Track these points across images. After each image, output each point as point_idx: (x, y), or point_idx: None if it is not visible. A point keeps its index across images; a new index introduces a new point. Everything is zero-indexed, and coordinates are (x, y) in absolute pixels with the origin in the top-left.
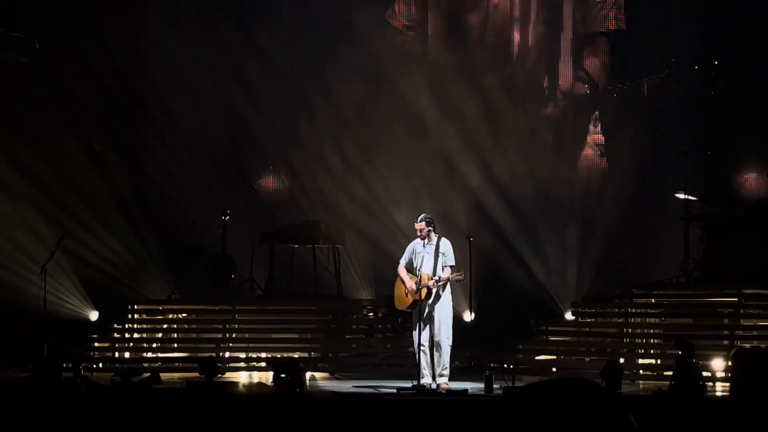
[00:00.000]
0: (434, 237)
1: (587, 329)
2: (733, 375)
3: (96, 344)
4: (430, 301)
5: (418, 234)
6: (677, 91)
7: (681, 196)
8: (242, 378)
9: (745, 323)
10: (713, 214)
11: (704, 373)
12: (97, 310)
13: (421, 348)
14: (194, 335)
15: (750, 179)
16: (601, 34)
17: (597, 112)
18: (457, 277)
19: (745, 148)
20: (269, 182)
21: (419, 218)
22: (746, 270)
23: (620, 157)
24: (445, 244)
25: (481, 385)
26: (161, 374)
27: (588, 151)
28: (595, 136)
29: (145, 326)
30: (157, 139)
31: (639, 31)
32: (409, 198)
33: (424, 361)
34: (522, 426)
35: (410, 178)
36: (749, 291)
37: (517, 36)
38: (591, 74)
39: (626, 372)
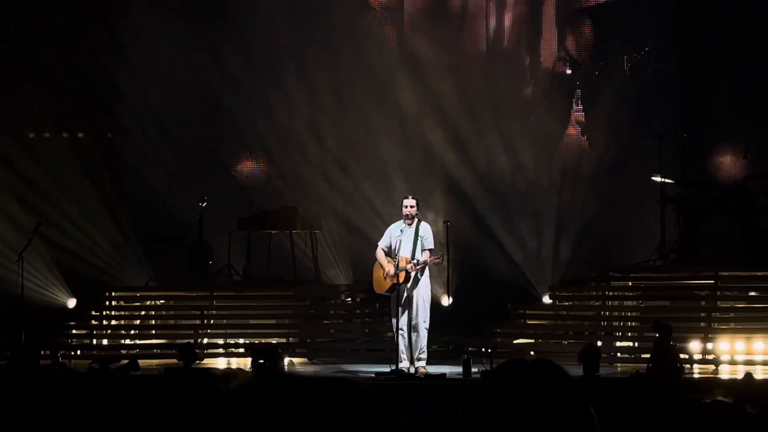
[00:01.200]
0: (415, 220)
1: (565, 312)
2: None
3: (74, 331)
4: (408, 285)
5: (406, 213)
6: (654, 69)
7: (657, 179)
8: (220, 364)
9: (722, 305)
10: (689, 197)
11: (681, 356)
12: (74, 297)
13: (400, 332)
14: (172, 322)
15: (726, 162)
16: (583, 11)
17: (579, 91)
18: (436, 260)
19: (721, 131)
20: (246, 168)
21: (410, 197)
22: (722, 252)
23: (598, 139)
24: (425, 228)
25: (459, 369)
26: (139, 361)
27: (570, 131)
28: (577, 114)
29: (122, 313)
30: (134, 125)
31: (620, 7)
32: (387, 182)
33: (403, 345)
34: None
35: (387, 162)
36: (726, 273)
37: (494, 17)
38: (572, 53)
39: (604, 355)
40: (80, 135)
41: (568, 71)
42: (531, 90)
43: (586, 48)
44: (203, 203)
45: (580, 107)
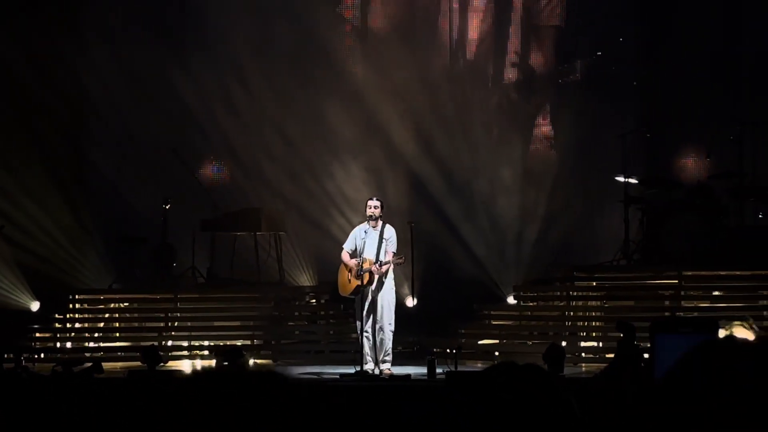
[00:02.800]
0: (380, 223)
1: (529, 313)
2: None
3: (37, 334)
4: (373, 287)
5: (370, 214)
6: (615, 72)
7: (620, 178)
8: (185, 366)
9: (686, 305)
10: (653, 197)
11: (645, 355)
12: (38, 300)
13: (364, 334)
14: (136, 324)
15: (689, 161)
16: (549, 27)
17: (548, 105)
18: (398, 261)
19: (684, 131)
20: (210, 169)
21: (374, 198)
22: (686, 252)
23: (562, 140)
24: (390, 231)
25: (424, 370)
26: (103, 364)
27: (536, 144)
28: (544, 129)
29: (86, 316)
30: (98, 125)
31: (582, 19)
32: (352, 183)
33: (367, 346)
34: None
35: (353, 164)
36: (689, 273)
37: (458, 24)
38: (536, 63)
39: (568, 355)
40: (43, 135)
41: (531, 82)
42: (496, 99)
43: (549, 56)
44: (167, 205)
45: (547, 119)
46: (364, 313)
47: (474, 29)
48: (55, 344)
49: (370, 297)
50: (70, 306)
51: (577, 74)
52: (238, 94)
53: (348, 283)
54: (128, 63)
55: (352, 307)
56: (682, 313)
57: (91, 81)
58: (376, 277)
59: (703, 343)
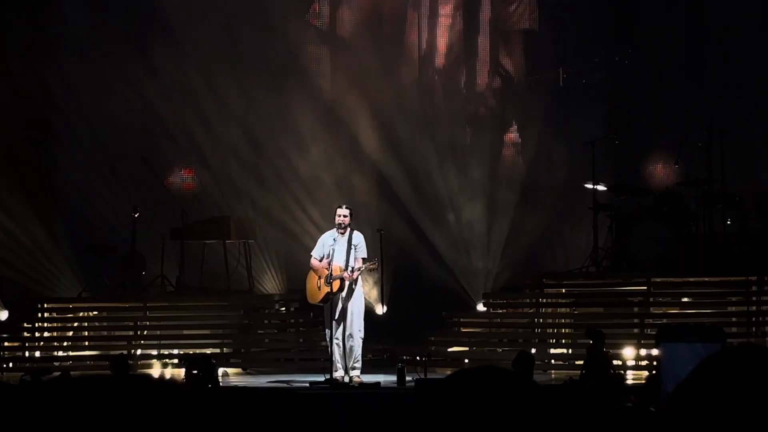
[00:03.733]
0: (348, 230)
1: (499, 320)
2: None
3: (6, 344)
4: (342, 295)
5: (339, 222)
6: (587, 80)
7: (589, 185)
8: (154, 374)
9: (655, 311)
10: (621, 204)
11: (615, 362)
12: (6, 309)
13: (335, 342)
14: (105, 333)
15: (658, 168)
16: (518, 31)
17: (514, 120)
18: (371, 266)
19: (652, 138)
20: (179, 178)
21: (343, 206)
22: (655, 258)
23: (531, 148)
24: (358, 237)
25: (394, 378)
26: (72, 373)
27: (506, 151)
28: (512, 135)
29: (55, 325)
30: (68, 133)
31: (552, 27)
32: (321, 193)
33: (337, 354)
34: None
35: (323, 172)
36: (658, 279)
37: (427, 34)
38: (507, 71)
39: (538, 362)
40: (11, 142)
41: (502, 87)
42: (467, 105)
43: (519, 65)
44: (136, 213)
45: (515, 127)
46: (334, 320)
47: (442, 37)
48: (24, 353)
49: (339, 304)
50: (39, 315)
51: (546, 82)
52: (207, 102)
53: (317, 290)
54: (97, 71)
55: (322, 314)
56: (650, 320)
57: (60, 89)
58: (346, 284)
59: (717, 353)
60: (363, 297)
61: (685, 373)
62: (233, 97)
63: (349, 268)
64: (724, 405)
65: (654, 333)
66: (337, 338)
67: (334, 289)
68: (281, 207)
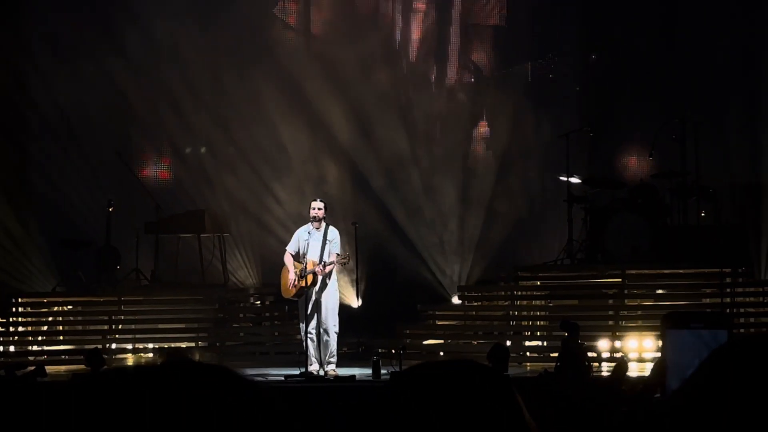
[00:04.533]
0: (323, 224)
1: (474, 313)
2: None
3: None
4: (316, 289)
5: (314, 215)
6: (558, 75)
7: (563, 178)
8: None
9: (630, 303)
10: (596, 196)
11: (589, 354)
12: None
13: (309, 335)
14: (80, 327)
15: (632, 160)
16: (488, 26)
17: (484, 108)
18: (342, 260)
19: (626, 130)
20: (153, 171)
21: (318, 200)
22: (629, 251)
23: (503, 140)
24: (333, 232)
25: (369, 371)
26: (47, 367)
27: (476, 147)
28: (482, 129)
29: (29, 319)
30: (41, 125)
31: (522, 20)
32: (297, 185)
33: (312, 348)
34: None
35: (297, 164)
36: (633, 271)
37: (400, 28)
38: (478, 66)
39: (513, 354)
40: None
41: (474, 84)
42: (438, 100)
43: (489, 56)
44: (110, 207)
45: (484, 119)
46: (308, 314)
47: (416, 30)
48: None
49: (313, 298)
50: (13, 309)
51: (517, 76)
52: (181, 93)
53: (290, 284)
54: (70, 63)
55: (297, 308)
56: (625, 312)
57: (33, 79)
58: (320, 278)
59: (728, 342)
60: (337, 292)
61: (690, 361)
62: (205, 87)
63: (323, 263)
64: (735, 397)
65: (629, 325)
66: (310, 332)
67: (308, 283)
68: (255, 200)
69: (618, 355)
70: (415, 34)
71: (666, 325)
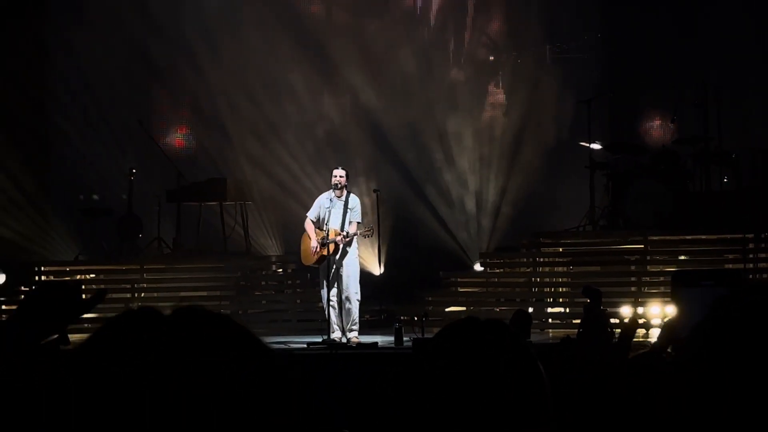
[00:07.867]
0: (344, 192)
1: (496, 280)
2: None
3: (3, 307)
4: (337, 257)
5: (335, 183)
6: (579, 49)
7: (585, 144)
8: None
9: (652, 269)
10: (618, 162)
11: (612, 320)
12: (4, 273)
13: (330, 303)
14: None
15: (654, 126)
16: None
17: (500, 74)
18: (366, 232)
19: (648, 96)
20: (175, 139)
21: (339, 167)
22: (651, 217)
23: (522, 107)
24: (354, 200)
25: (391, 338)
26: (70, 335)
27: (489, 112)
28: (497, 96)
29: None
30: (65, 95)
31: None
32: (319, 151)
33: (333, 315)
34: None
35: (319, 131)
36: (655, 237)
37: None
38: (494, 37)
39: (535, 321)
40: (8, 101)
41: (491, 57)
42: (455, 73)
43: (508, 33)
44: (132, 176)
45: (500, 87)
46: (329, 281)
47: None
48: None
49: (334, 267)
50: (36, 279)
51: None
52: (204, 62)
53: (311, 252)
54: (94, 30)
55: (318, 276)
56: (647, 278)
57: (56, 48)
58: (341, 246)
59: (732, 292)
60: (358, 259)
61: (702, 318)
62: (231, 53)
63: (345, 232)
64: (744, 344)
65: (651, 291)
66: (331, 299)
67: (329, 252)
68: (278, 167)
69: (641, 321)
70: (436, 3)
71: (676, 284)
